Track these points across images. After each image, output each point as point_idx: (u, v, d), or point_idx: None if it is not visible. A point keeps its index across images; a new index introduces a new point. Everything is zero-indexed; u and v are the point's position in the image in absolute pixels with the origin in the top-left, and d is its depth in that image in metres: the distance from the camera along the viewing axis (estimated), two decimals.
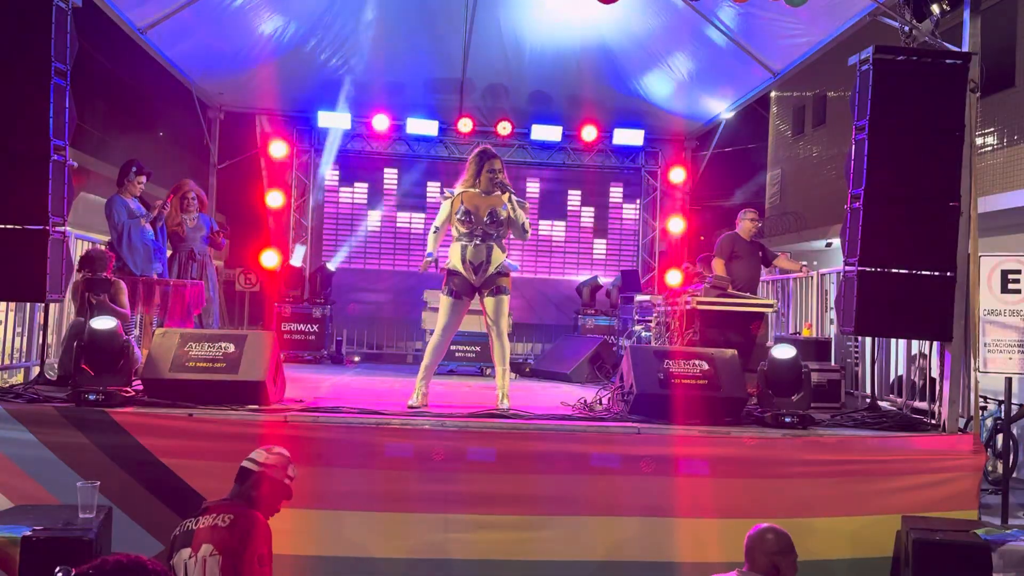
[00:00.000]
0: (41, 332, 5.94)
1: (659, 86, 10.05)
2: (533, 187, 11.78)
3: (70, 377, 5.17)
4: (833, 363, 7.12)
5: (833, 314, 7.25)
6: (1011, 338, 6.11)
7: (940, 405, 5.60)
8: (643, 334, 9.02)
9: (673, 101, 10.42)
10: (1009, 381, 6.45)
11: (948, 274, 5.50)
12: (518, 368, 9.24)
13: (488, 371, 8.78)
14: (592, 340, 9.24)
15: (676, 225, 11.72)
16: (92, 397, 4.88)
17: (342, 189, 11.62)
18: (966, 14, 5.73)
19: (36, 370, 5.92)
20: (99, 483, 4.16)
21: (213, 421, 4.88)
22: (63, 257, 5.30)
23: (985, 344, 6.07)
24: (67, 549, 3.77)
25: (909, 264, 5.57)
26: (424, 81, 10.47)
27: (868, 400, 6.46)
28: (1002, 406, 7.12)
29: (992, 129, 11.92)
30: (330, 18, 8.96)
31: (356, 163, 11.57)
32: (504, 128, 10.93)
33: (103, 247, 6.65)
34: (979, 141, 10.90)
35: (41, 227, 5.11)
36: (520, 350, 11.30)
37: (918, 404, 6.63)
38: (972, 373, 5.77)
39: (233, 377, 5.20)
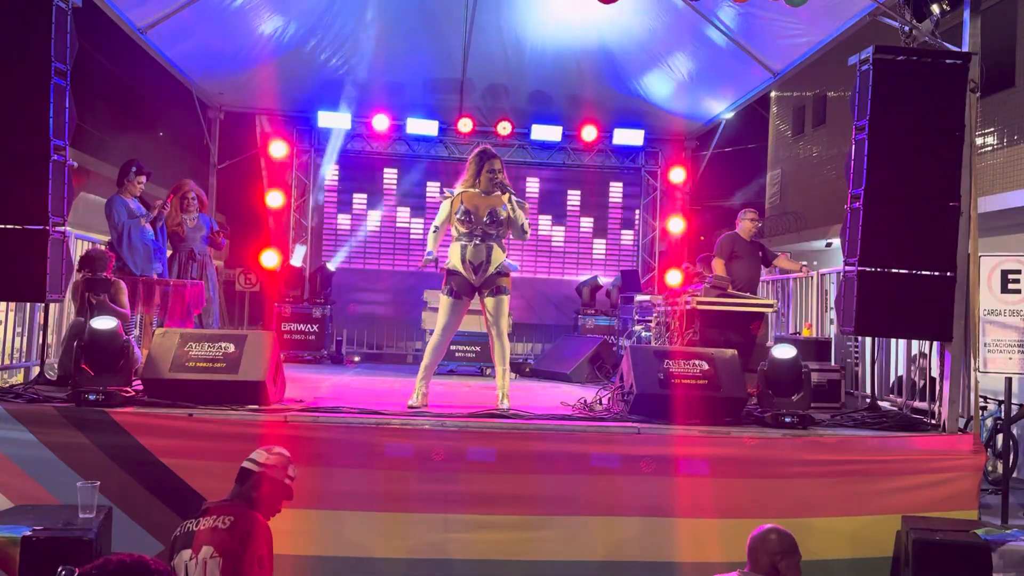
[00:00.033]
0: (41, 332, 5.94)
1: (659, 86, 10.05)
2: (533, 187, 11.78)
3: (70, 377, 5.17)
4: (833, 363, 7.11)
5: (833, 314, 7.25)
6: (1011, 338, 6.12)
7: (940, 405, 5.60)
8: (643, 334, 9.01)
9: (673, 101, 10.41)
10: (1009, 381, 6.46)
11: (948, 274, 5.50)
12: (518, 368, 9.24)
13: (488, 371, 8.78)
14: (592, 340, 9.24)
15: (676, 225, 11.71)
16: (92, 397, 4.88)
17: (342, 189, 11.62)
18: (966, 14, 5.73)
19: (36, 370, 5.92)
20: (99, 483, 4.16)
21: (213, 421, 4.88)
22: (63, 257, 5.29)
23: (985, 344, 6.07)
24: (67, 549, 3.77)
25: (909, 264, 5.57)
26: (424, 81, 10.46)
27: (868, 400, 6.46)
28: (1002, 406, 7.12)
29: (992, 129, 11.91)
30: (330, 18, 8.96)
31: (356, 163, 11.57)
32: (504, 128, 10.92)
33: (103, 247, 6.65)
34: (979, 141, 10.90)
35: (41, 227, 5.11)
36: (520, 350, 11.29)
37: (918, 404, 6.63)
38: (972, 373, 5.77)
39: (233, 377, 5.20)
